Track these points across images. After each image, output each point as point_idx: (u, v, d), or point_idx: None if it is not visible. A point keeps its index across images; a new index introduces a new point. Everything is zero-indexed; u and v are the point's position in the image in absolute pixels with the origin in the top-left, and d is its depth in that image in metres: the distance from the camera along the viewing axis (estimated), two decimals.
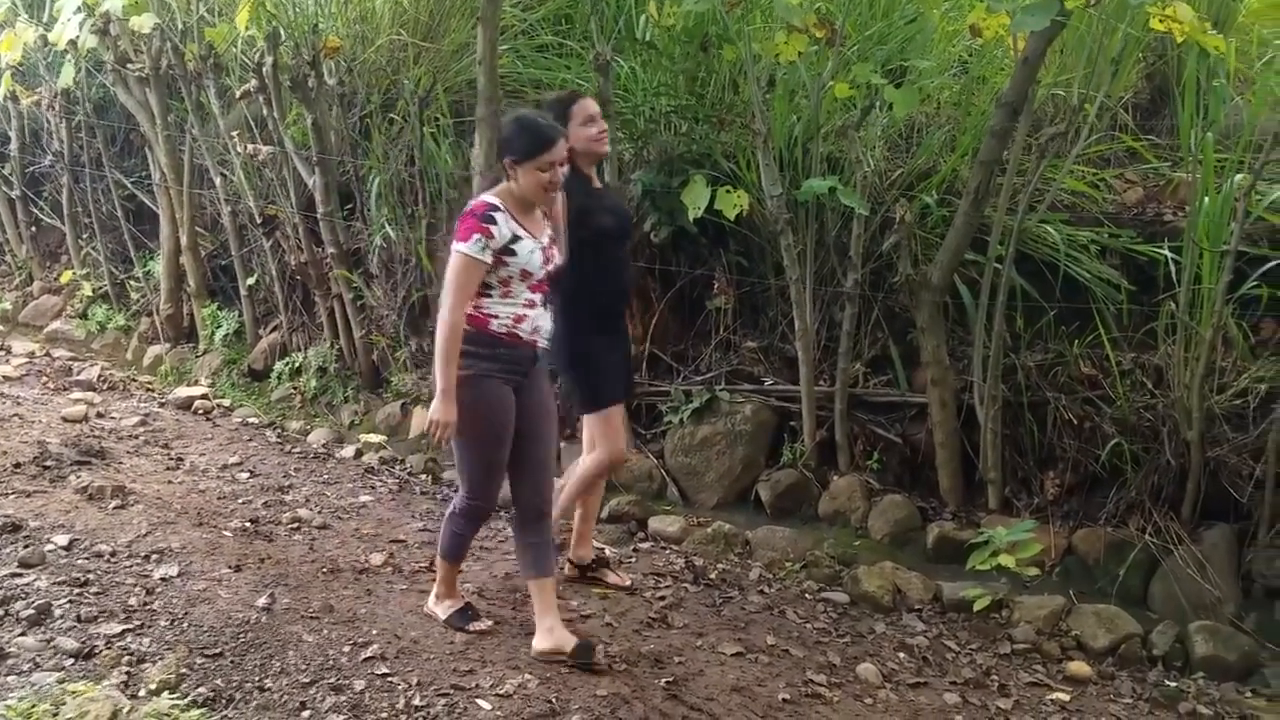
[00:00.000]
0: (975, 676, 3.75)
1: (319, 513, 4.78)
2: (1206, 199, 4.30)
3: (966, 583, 4.35)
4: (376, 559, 4.24)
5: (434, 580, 3.79)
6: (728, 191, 5.00)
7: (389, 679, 3.26)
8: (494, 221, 3.25)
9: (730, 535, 4.84)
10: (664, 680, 3.45)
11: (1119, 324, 4.71)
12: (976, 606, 4.17)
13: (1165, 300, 4.51)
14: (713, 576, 4.46)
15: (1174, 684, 3.84)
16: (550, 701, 3.20)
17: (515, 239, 3.29)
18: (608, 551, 4.50)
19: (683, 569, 4.49)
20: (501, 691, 3.22)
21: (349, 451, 5.84)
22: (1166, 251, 4.55)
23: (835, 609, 4.27)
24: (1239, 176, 4.25)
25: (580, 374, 3.90)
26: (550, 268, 3.42)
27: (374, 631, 3.56)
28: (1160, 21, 4.12)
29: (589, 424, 4.00)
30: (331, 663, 3.32)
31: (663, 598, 4.16)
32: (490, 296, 3.33)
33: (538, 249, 3.35)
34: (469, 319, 3.30)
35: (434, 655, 3.44)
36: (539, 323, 3.42)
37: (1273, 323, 4.44)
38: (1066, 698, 3.67)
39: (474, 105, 5.55)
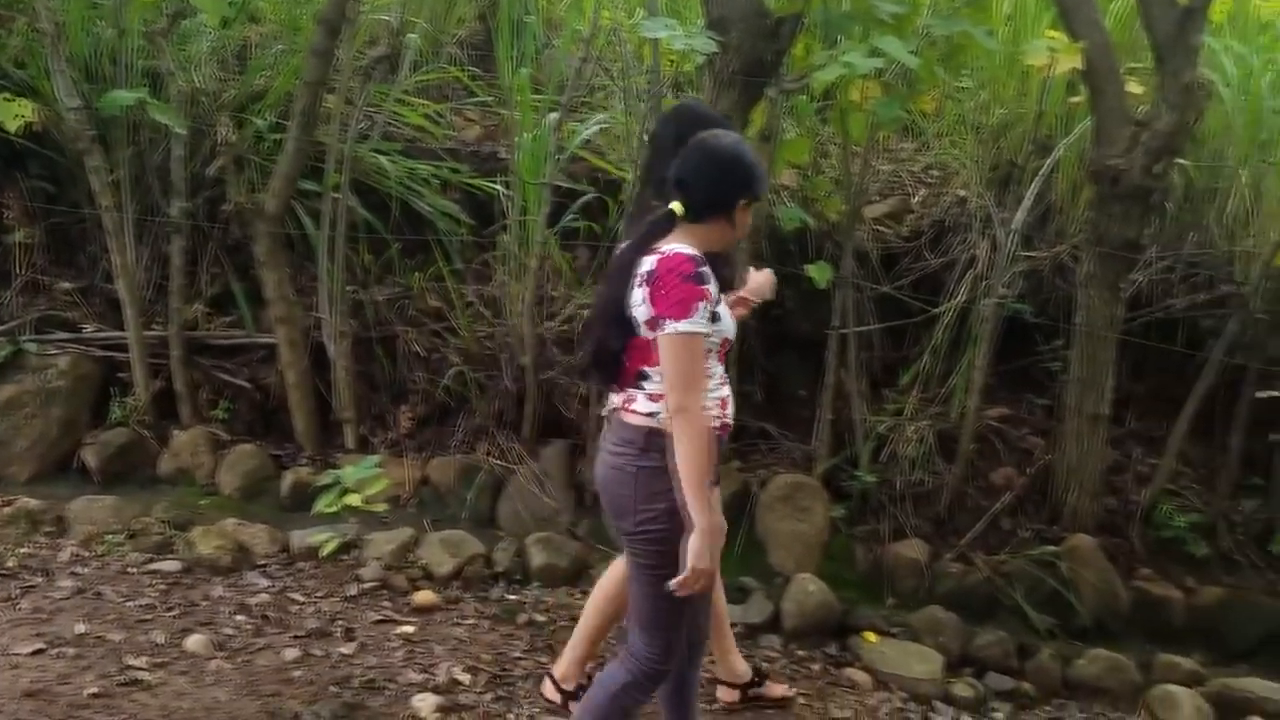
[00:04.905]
0: (320, 625, 3.55)
1: None
2: (527, 135, 4.51)
3: (318, 528, 4.12)
4: None
5: None
6: (7, 100, 4.11)
7: None
8: (709, 280, 2.29)
9: (38, 513, 4.07)
10: None
11: (462, 256, 4.81)
12: (324, 551, 3.98)
13: (499, 232, 4.69)
14: (11, 565, 3.72)
15: (514, 597, 4.00)
16: None
17: (719, 300, 2.38)
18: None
19: None
20: None
21: None
22: (499, 186, 4.73)
23: (166, 580, 3.78)
24: (552, 115, 4.51)
25: None
26: None
27: None
28: None
29: None
30: None
31: None
32: None
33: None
34: None
35: None
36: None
37: (589, 253, 4.85)
38: (412, 629, 3.63)
39: None
